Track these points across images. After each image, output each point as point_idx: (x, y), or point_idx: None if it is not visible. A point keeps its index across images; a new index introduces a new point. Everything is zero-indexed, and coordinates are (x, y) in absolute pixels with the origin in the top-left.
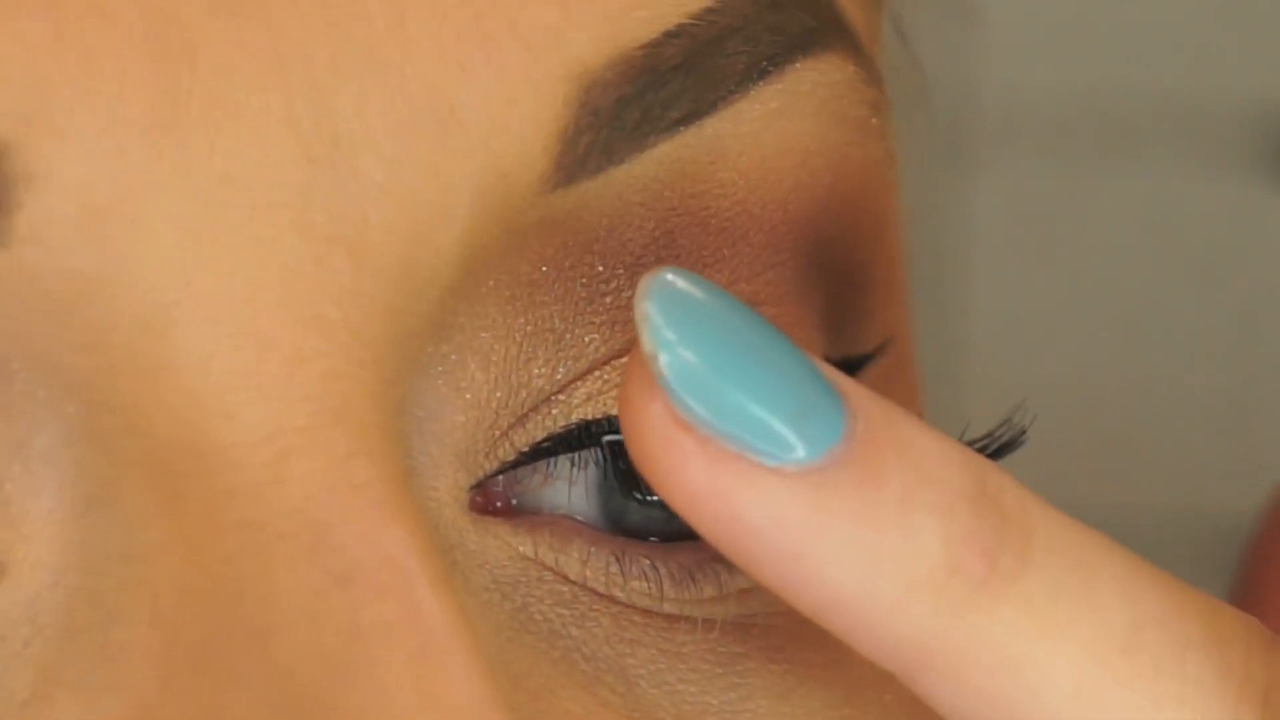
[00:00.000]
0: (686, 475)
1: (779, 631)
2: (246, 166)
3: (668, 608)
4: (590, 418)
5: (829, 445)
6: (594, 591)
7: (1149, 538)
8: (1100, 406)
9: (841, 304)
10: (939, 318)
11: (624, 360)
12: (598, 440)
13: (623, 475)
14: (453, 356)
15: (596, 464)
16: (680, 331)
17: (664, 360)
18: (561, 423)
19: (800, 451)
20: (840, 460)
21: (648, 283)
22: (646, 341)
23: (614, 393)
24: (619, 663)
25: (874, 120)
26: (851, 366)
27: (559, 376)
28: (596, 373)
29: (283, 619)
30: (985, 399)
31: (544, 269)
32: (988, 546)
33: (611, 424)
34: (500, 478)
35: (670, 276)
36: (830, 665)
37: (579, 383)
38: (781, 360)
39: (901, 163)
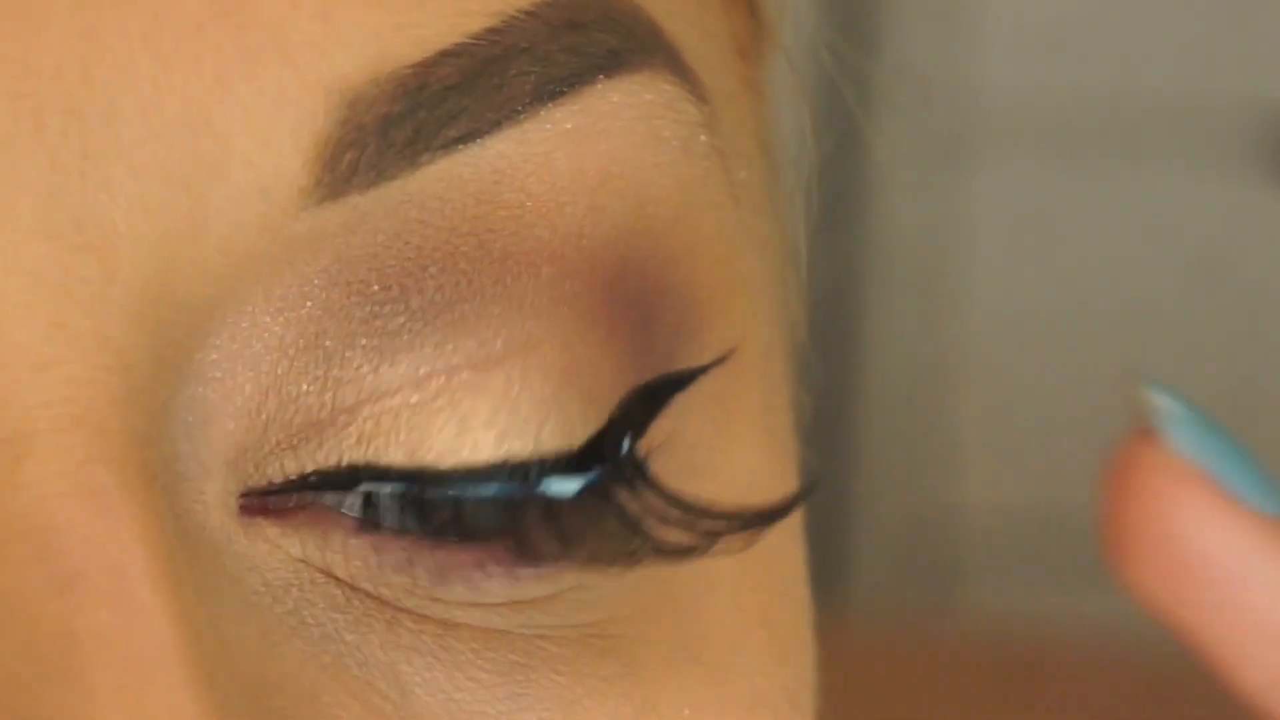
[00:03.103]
0: (1196, 500)
1: (565, 643)
2: None
3: (438, 611)
4: (359, 462)
5: None
6: (367, 594)
7: None
8: (1100, 407)
9: (657, 322)
10: (939, 318)
11: (394, 401)
12: (355, 487)
13: (379, 523)
14: (222, 365)
15: (358, 510)
16: (1188, 408)
17: (1181, 424)
18: (333, 460)
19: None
20: None
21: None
22: (1162, 408)
23: (384, 439)
24: (393, 669)
25: (699, 137)
26: (683, 380)
27: (327, 399)
28: (366, 411)
29: (4, 621)
30: (985, 399)
31: (316, 282)
32: None
33: (374, 473)
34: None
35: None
36: (622, 678)
37: (351, 422)
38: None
39: (900, 163)
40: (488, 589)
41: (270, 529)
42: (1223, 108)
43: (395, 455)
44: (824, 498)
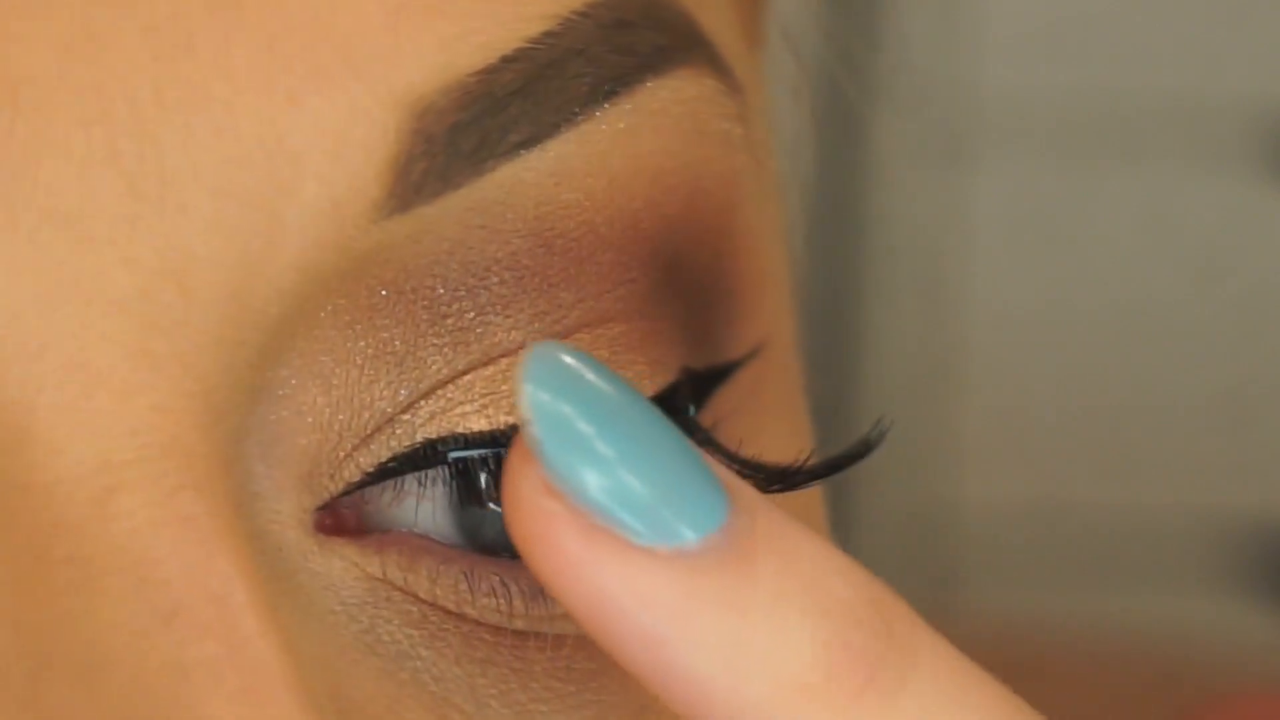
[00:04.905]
0: (556, 544)
1: None
2: (70, 202)
3: (518, 624)
4: (435, 436)
5: (705, 533)
6: (444, 610)
7: (1149, 538)
8: (1100, 406)
9: (703, 314)
10: (939, 318)
11: (468, 378)
12: (444, 458)
13: (472, 492)
14: (292, 381)
15: (444, 482)
16: (558, 400)
17: (539, 427)
18: (406, 442)
19: (675, 534)
20: (715, 548)
21: (529, 353)
22: (523, 408)
23: (458, 410)
24: (469, 683)
25: (737, 131)
26: (720, 373)
27: (401, 398)
28: (440, 392)
29: (108, 655)
30: (985, 399)
31: (383, 293)
32: (868, 658)
33: (457, 441)
34: (348, 498)
35: (554, 350)
36: None
37: (423, 402)
38: (660, 440)
39: (901, 163)
40: None
41: (348, 548)
42: (1223, 108)
43: (475, 422)
44: (824, 497)
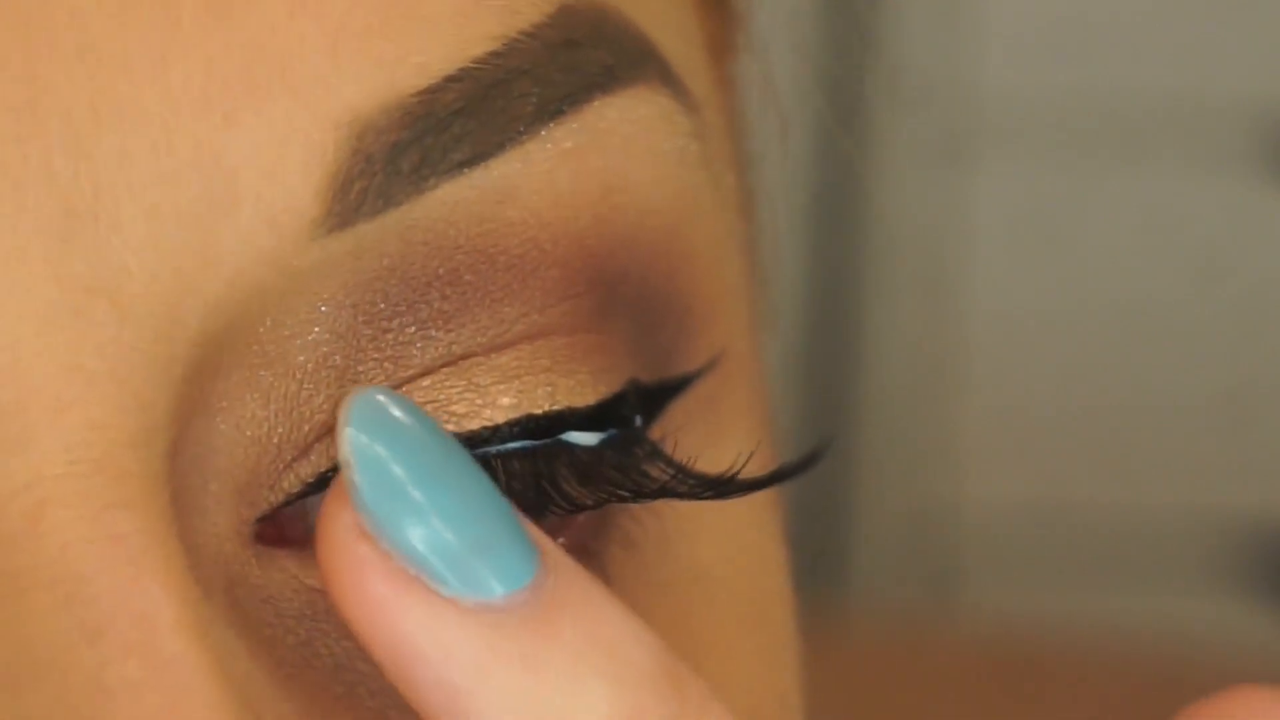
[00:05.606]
0: (364, 588)
1: None
2: (3, 217)
3: None
4: None
5: (512, 589)
6: None
7: (1149, 538)
8: (1100, 406)
9: (653, 329)
10: (939, 318)
11: (406, 388)
12: None
13: None
14: (230, 395)
15: None
16: (375, 445)
17: (356, 470)
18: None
19: (483, 587)
20: (519, 605)
21: (351, 397)
22: (343, 450)
23: None
24: None
25: (692, 147)
26: (672, 387)
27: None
28: None
29: (34, 670)
30: (985, 399)
31: (323, 309)
32: None
33: None
34: (291, 508)
35: (378, 396)
36: None
37: None
38: (476, 495)
39: (901, 163)
40: None
41: (288, 560)
42: (1223, 108)
43: None
44: (824, 497)
